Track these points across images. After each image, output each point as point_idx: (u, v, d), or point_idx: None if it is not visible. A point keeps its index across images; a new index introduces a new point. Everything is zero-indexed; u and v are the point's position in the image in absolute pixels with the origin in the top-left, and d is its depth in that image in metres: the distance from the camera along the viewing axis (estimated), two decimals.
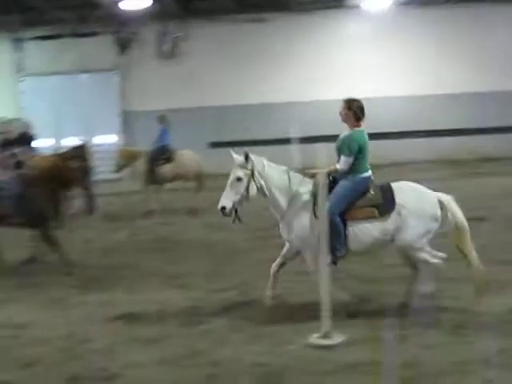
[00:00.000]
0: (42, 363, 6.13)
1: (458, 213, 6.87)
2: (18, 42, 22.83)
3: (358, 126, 6.92)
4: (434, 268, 6.83)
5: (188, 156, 15.17)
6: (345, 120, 6.96)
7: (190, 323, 6.97)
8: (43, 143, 18.86)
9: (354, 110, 6.88)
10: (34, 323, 7.22)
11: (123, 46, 22.71)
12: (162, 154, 14.94)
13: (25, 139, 11.52)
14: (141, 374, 5.78)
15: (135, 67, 22.59)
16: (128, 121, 22.53)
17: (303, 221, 6.85)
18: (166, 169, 14.90)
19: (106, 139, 22.37)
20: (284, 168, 7.08)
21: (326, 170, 6.64)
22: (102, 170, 13.50)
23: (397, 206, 6.74)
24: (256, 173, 6.87)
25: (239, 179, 6.81)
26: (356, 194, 6.83)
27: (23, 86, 23.17)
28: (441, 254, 6.87)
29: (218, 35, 22.34)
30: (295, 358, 5.94)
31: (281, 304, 7.23)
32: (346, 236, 6.78)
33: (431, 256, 6.83)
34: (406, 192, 6.87)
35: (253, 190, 6.86)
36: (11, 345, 6.62)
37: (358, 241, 6.84)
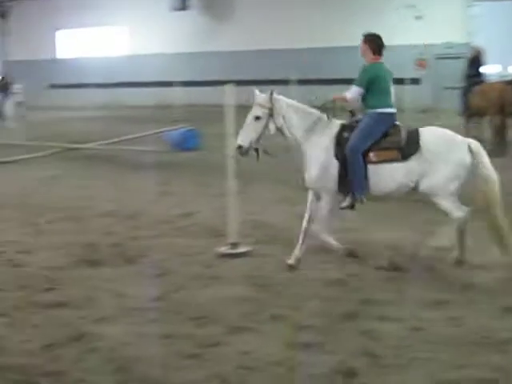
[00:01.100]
0: (479, 288, 6.07)
1: (486, 162, 6.46)
2: None
3: (375, 59, 6.83)
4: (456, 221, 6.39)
5: None
6: (362, 54, 6.93)
7: None
8: (491, 69, 18.50)
9: (369, 43, 6.84)
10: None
11: None
12: None
13: None
14: None
15: None
16: None
17: (322, 161, 6.65)
18: None
19: None
20: (308, 108, 6.84)
21: (333, 96, 6.83)
22: None
23: (421, 149, 6.47)
24: (276, 112, 6.67)
25: (258, 118, 6.67)
26: (378, 130, 6.65)
27: (474, 10, 22.77)
28: (465, 208, 6.42)
29: None
30: None
31: None
32: (366, 178, 6.58)
33: (455, 208, 6.44)
34: (433, 136, 6.60)
35: (271, 129, 6.69)
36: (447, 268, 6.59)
37: (381, 184, 6.62)
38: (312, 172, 6.72)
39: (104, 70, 30.92)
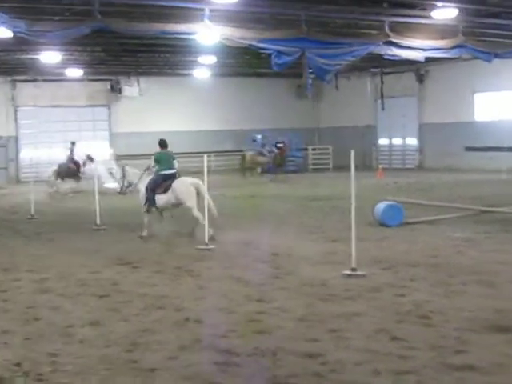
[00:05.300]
0: None
1: (204, 192, 13.65)
2: None
3: (160, 149, 14.50)
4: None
5: None
6: None
7: None
8: None
9: (158, 143, 14.69)
10: None
11: None
12: None
13: None
14: None
15: None
16: None
17: (143, 192, 14.48)
18: None
19: None
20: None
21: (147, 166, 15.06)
22: None
23: (171, 188, 14.00)
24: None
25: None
26: (158, 181, 14.15)
27: None
28: (200, 214, 13.64)
29: None
30: None
31: None
32: (154, 200, 14.14)
33: (197, 213, 13.66)
34: (179, 181, 14.14)
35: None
36: None
37: (159, 202, 14.14)
38: (141, 194, 14.86)
39: None
